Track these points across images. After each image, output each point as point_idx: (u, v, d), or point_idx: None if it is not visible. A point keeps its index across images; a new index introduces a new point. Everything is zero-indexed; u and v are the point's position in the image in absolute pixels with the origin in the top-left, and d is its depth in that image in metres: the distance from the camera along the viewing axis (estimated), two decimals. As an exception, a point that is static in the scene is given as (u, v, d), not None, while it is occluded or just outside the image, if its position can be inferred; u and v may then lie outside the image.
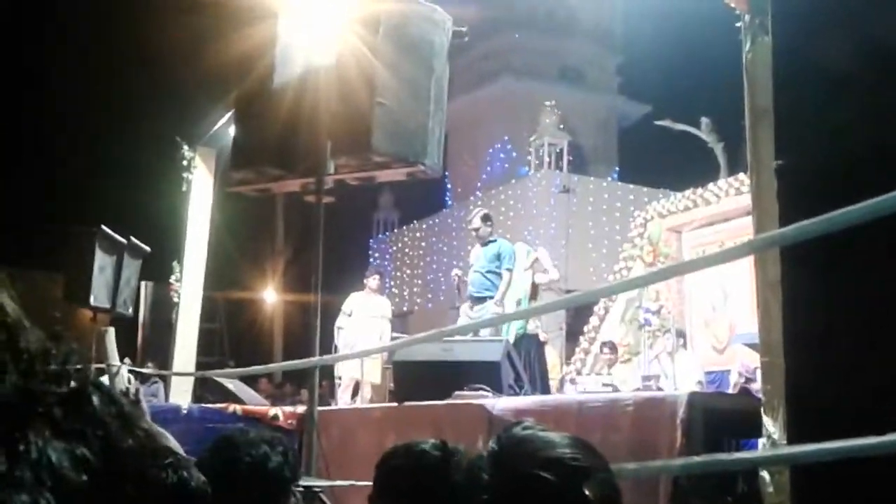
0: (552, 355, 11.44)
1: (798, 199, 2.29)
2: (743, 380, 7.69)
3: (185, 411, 6.90)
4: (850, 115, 2.28)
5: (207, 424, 6.49)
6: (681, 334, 9.29)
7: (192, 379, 8.87)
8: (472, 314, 7.31)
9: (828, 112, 2.34)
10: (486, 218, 7.68)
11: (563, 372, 11.36)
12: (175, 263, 8.95)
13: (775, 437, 2.55)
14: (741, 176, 9.76)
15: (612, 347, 9.77)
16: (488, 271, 7.39)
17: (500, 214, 17.90)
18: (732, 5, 2.90)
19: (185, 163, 8.88)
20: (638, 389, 7.15)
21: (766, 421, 2.62)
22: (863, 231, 1.72)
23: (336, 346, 9.11)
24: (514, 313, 7.82)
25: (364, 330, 9.09)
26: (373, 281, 9.71)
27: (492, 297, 7.31)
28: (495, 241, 7.59)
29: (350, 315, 9.30)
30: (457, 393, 5.00)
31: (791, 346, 2.31)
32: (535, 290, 8.27)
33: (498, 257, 7.42)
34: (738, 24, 2.88)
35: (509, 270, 7.45)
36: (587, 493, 1.01)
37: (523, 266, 8.15)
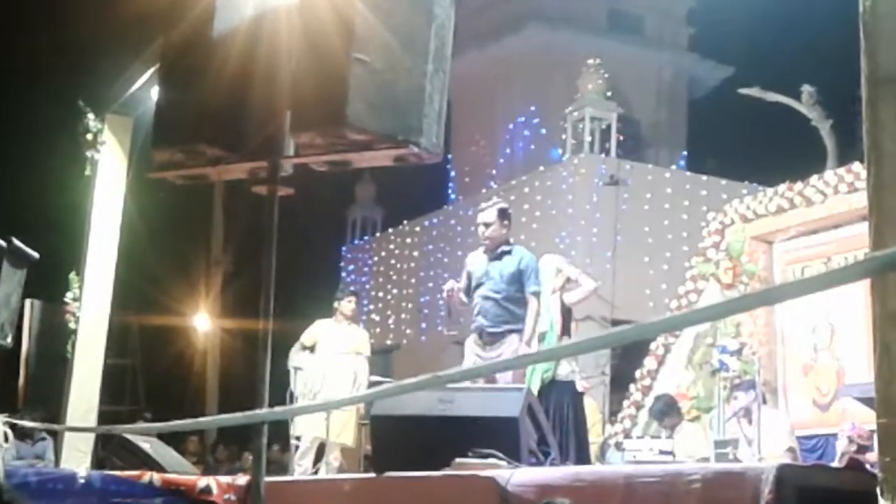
0: (592, 410, 11.47)
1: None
2: (854, 447, 7.72)
3: (82, 480, 6.92)
4: None
5: (113, 499, 6.51)
6: (766, 383, 9.31)
7: (92, 436, 8.88)
8: (485, 355, 7.08)
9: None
10: (504, 214, 7.37)
11: (607, 433, 11.39)
12: (73, 276, 8.98)
13: (896, 528, 2.57)
14: (856, 167, 9.79)
15: (667, 409, 9.69)
16: (506, 297, 7.15)
17: (521, 214, 17.96)
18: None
19: (88, 136, 8.90)
20: (706, 460, 7.15)
21: (885, 506, 2.63)
22: None
23: (292, 394, 9.13)
24: (538, 353, 7.82)
25: (332, 371, 9.12)
26: (346, 304, 9.71)
27: (515, 332, 7.10)
28: (512, 250, 7.30)
29: (312, 350, 9.32)
30: (458, 460, 5.02)
31: (920, 404, 2.32)
32: (567, 320, 8.22)
33: (520, 275, 7.16)
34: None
35: (536, 295, 7.23)
36: None
37: (550, 287, 8.12)
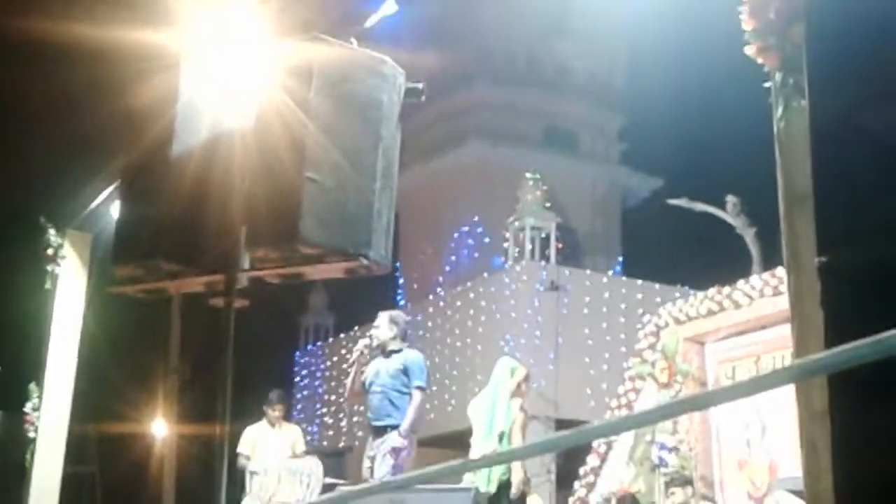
0: (537, 508, 11.37)
1: (847, 306, 2.35)
2: (789, 540, 7.68)
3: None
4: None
5: None
6: (703, 478, 9.28)
7: (50, 544, 8.63)
8: (373, 449, 7.35)
9: (882, 198, 2.43)
10: (392, 320, 7.75)
11: (553, 531, 11.27)
12: (32, 386, 8.82)
13: None
14: (779, 271, 9.96)
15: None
16: (393, 389, 7.38)
17: (467, 319, 17.99)
18: (759, 60, 3.03)
19: (49, 251, 8.85)
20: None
21: None
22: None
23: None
24: (496, 455, 7.75)
25: (286, 474, 8.98)
26: (280, 409, 9.87)
27: (395, 427, 7.24)
28: (400, 350, 7.63)
29: (248, 458, 9.27)
30: (410, 562, 4.92)
31: (843, 499, 2.34)
32: (525, 423, 8.22)
33: (404, 372, 7.44)
34: (766, 85, 3.00)
35: (421, 389, 7.46)
36: None
37: (508, 390, 8.13)
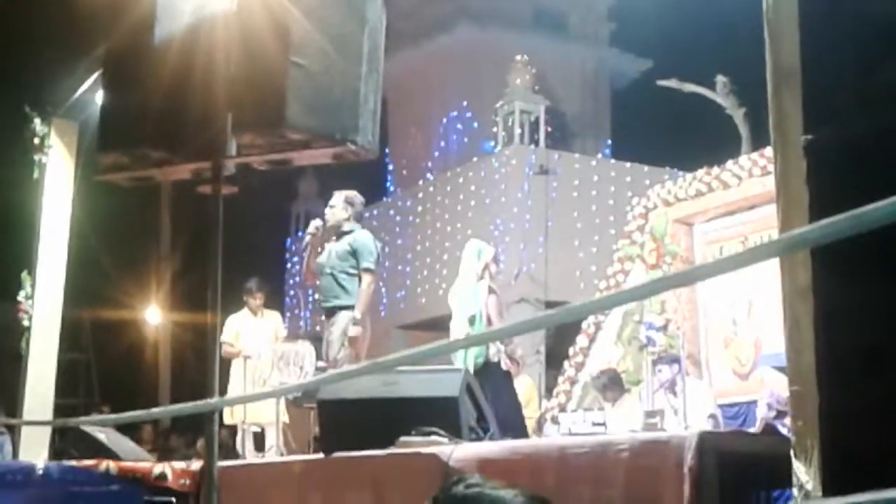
0: (529, 387, 11.57)
1: (832, 184, 2.37)
2: (773, 413, 7.85)
3: (40, 472, 6.84)
4: (898, 77, 2.36)
5: (71, 488, 6.45)
6: (690, 356, 9.43)
7: (49, 429, 8.78)
8: (327, 331, 7.34)
9: (869, 74, 2.42)
10: (348, 200, 7.58)
11: (543, 408, 11.49)
12: (24, 275, 8.86)
13: (808, 487, 2.63)
14: (768, 151, 9.95)
15: (611, 381, 9.81)
16: (341, 271, 7.29)
17: (457, 204, 18.01)
18: (749, -65, 2.98)
19: (36, 140, 8.79)
20: (634, 431, 7.25)
21: (797, 466, 2.70)
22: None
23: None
24: (479, 335, 7.85)
25: (280, 359, 9.10)
26: (260, 297, 9.84)
27: (346, 308, 7.20)
28: (350, 232, 7.49)
29: (232, 346, 9.27)
30: (403, 439, 5.04)
31: (826, 371, 2.39)
32: (499, 304, 8.19)
33: (353, 254, 7.32)
34: (755, -40, 2.95)
35: (370, 271, 7.37)
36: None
37: (475, 273, 8.11)
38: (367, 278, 7.31)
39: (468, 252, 8.19)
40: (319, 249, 7.59)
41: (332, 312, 7.25)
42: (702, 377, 10.79)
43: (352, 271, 7.27)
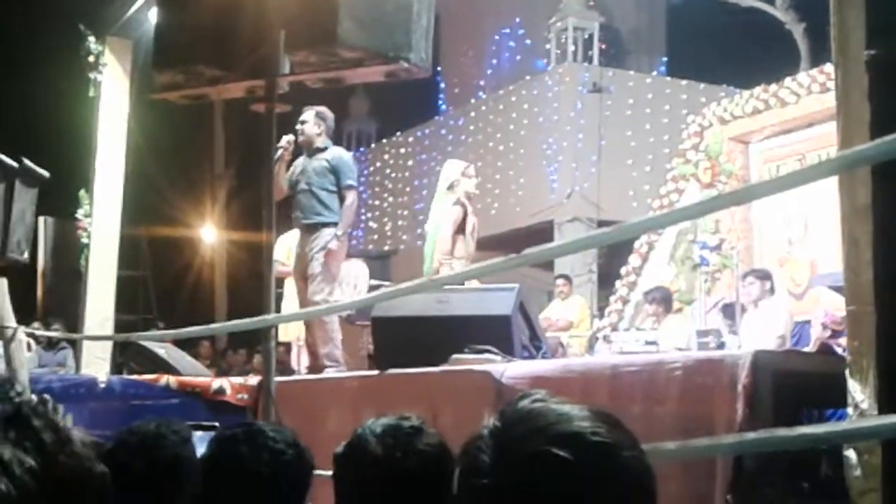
0: (581, 306, 11.59)
1: (894, 100, 2.32)
2: (828, 333, 7.81)
3: (102, 385, 7.02)
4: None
5: (132, 401, 6.62)
6: (768, 276, 9.21)
7: (110, 344, 8.98)
8: (305, 247, 7.19)
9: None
10: (320, 116, 7.37)
11: (595, 327, 11.52)
12: (82, 193, 8.98)
13: (864, 406, 2.63)
14: (828, 68, 9.74)
15: (663, 298, 9.78)
16: (321, 188, 7.15)
17: (510, 122, 17.88)
18: None
19: (91, 59, 8.83)
20: (683, 350, 7.24)
21: (853, 386, 2.69)
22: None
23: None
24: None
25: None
26: None
27: (328, 225, 7.11)
28: (326, 148, 7.32)
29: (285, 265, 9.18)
30: (455, 357, 5.08)
31: (883, 292, 2.36)
32: (464, 217, 7.77)
33: (332, 170, 7.17)
34: None
35: (352, 188, 7.25)
36: (613, 473, 1.07)
37: (443, 189, 7.89)
38: (350, 195, 7.22)
39: (443, 172, 8.06)
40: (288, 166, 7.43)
41: (314, 228, 7.15)
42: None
43: (331, 188, 7.17)
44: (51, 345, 11.34)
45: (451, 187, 7.77)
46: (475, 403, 4.34)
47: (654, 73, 19.44)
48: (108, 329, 8.89)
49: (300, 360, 9.28)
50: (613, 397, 3.88)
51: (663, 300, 9.72)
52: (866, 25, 2.45)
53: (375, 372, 5.71)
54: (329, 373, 6.82)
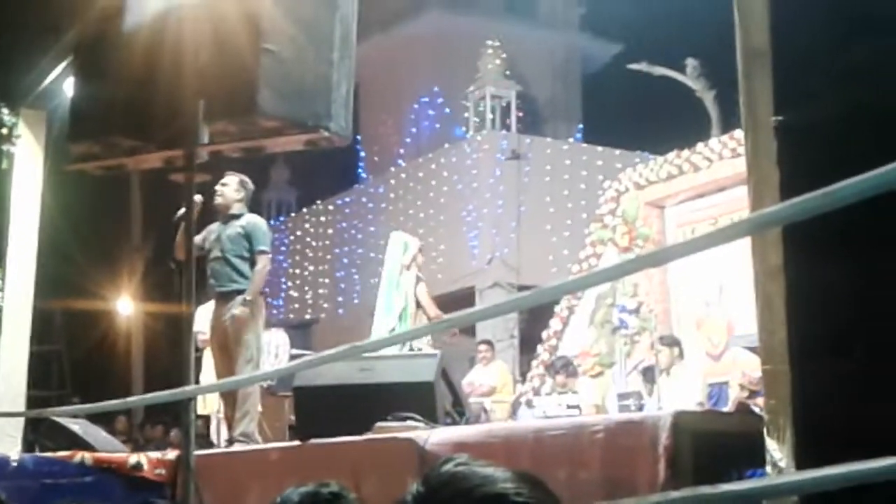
0: (503, 371, 11.62)
1: (802, 163, 2.39)
2: (745, 393, 7.93)
3: (14, 464, 6.80)
4: (868, 58, 2.39)
5: (46, 480, 6.42)
6: (676, 342, 9.43)
7: (21, 421, 8.73)
8: (220, 316, 7.12)
9: (838, 54, 2.44)
10: (242, 184, 7.34)
11: (518, 392, 11.54)
12: (-5, 266, 8.80)
13: (781, 464, 2.67)
14: (738, 133, 10.02)
15: (563, 366, 9.89)
16: (235, 255, 7.08)
17: (429, 190, 18.01)
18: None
19: (3, 131, 8.71)
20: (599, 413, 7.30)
21: (770, 444, 2.73)
22: (887, 203, 1.81)
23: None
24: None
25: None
26: None
27: (241, 292, 7.01)
28: (241, 215, 7.26)
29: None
30: (379, 424, 5.05)
31: (797, 351, 2.42)
32: (429, 290, 8.20)
33: (246, 237, 7.11)
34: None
35: (265, 253, 7.18)
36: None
37: (401, 265, 8.12)
38: (262, 260, 7.12)
39: (392, 244, 8.20)
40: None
41: (229, 297, 7.06)
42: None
43: (246, 255, 7.08)
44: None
45: (410, 266, 7.95)
46: (399, 471, 4.30)
47: (571, 139, 19.80)
48: (21, 406, 8.64)
49: (220, 433, 9.13)
50: (537, 462, 3.88)
51: (563, 367, 9.86)
52: (773, 92, 2.53)
53: (297, 443, 5.64)
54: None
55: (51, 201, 9.06)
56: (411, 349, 7.71)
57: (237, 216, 7.24)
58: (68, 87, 6.14)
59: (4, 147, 8.73)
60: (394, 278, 8.03)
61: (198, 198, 7.19)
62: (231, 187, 7.23)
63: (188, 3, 3.78)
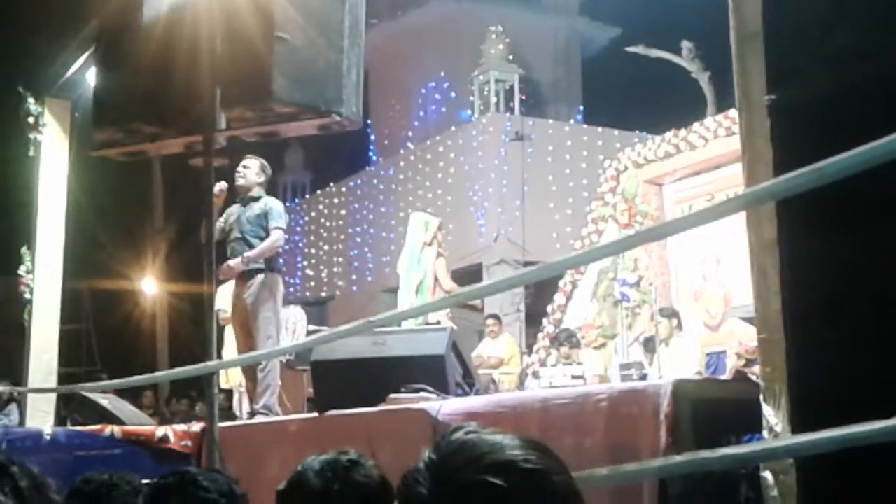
0: (510, 344, 11.62)
1: (795, 141, 2.38)
2: (742, 362, 7.92)
3: (48, 437, 6.84)
4: (858, 38, 2.37)
5: (77, 452, 6.45)
6: (675, 314, 9.44)
7: (54, 397, 8.77)
8: (242, 295, 7.12)
9: (830, 34, 2.42)
10: (263, 168, 7.33)
11: (524, 364, 11.54)
12: (24, 249, 8.82)
13: (777, 428, 2.67)
14: (732, 113, 9.98)
15: (567, 338, 9.90)
16: (254, 236, 7.09)
17: (437, 171, 17.98)
18: None
19: (30, 120, 8.71)
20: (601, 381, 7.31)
21: (767, 410, 2.73)
22: (875, 178, 1.80)
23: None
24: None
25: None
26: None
27: (262, 271, 7.03)
28: (260, 198, 7.27)
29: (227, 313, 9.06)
30: (392, 396, 5.06)
31: (791, 320, 2.41)
32: (448, 266, 8.21)
33: (265, 216, 7.13)
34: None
35: (279, 229, 7.17)
36: (545, 498, 1.08)
37: (422, 242, 8.15)
38: (275, 233, 7.12)
39: (414, 224, 8.23)
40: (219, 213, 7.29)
41: (248, 276, 7.07)
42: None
43: (264, 235, 7.09)
44: (-1, 403, 11.09)
45: (431, 242, 8.00)
46: (413, 440, 4.31)
47: (572, 121, 19.73)
48: (52, 382, 8.69)
49: (242, 406, 9.17)
50: (544, 430, 3.89)
51: (567, 339, 9.87)
52: (766, 73, 2.52)
53: (315, 415, 5.66)
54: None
55: (76, 187, 9.08)
56: (427, 322, 7.74)
57: (256, 198, 7.24)
58: (91, 77, 6.13)
59: (31, 135, 8.74)
60: (415, 255, 8.07)
61: (223, 184, 7.23)
62: (253, 170, 7.23)
63: (204, -5, 3.78)
